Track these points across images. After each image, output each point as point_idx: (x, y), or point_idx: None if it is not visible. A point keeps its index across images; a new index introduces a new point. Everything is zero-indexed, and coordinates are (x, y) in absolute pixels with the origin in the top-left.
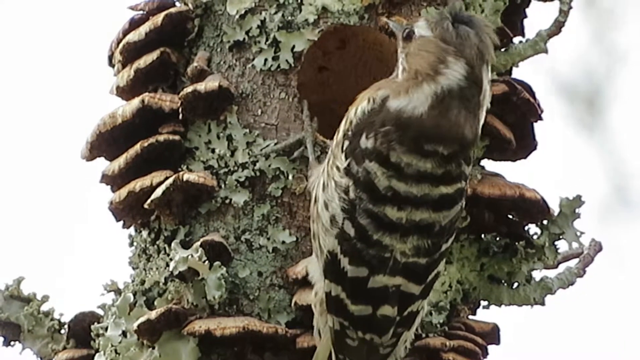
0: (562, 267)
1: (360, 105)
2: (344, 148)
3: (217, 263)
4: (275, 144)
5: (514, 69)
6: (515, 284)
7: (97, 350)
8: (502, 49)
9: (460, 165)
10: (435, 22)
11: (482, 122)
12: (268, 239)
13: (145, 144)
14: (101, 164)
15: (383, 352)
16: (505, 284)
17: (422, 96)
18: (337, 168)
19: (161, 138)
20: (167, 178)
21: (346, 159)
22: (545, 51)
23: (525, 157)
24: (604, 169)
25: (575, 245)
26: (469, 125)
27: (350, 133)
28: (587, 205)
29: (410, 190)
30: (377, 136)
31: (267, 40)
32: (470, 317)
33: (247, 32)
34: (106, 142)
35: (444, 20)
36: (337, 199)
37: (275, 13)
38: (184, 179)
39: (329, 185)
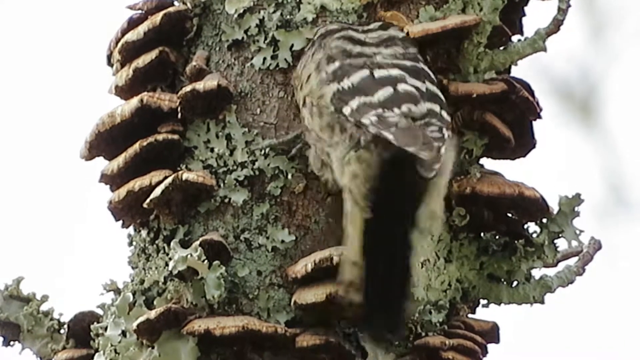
0: (561, 265)
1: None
2: (311, 83)
3: (216, 262)
4: None
5: (512, 67)
6: (515, 283)
7: (96, 350)
8: (501, 48)
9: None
10: None
11: None
12: (267, 238)
13: (144, 144)
14: (100, 164)
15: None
16: (505, 283)
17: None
18: (318, 96)
19: (160, 137)
20: (166, 177)
21: (316, 67)
22: (544, 49)
23: (524, 156)
24: (600, 168)
25: (574, 243)
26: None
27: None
28: (583, 204)
29: (361, 35)
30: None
31: (265, 39)
32: (470, 315)
33: (245, 31)
34: (105, 142)
35: None
36: (312, 67)
37: (274, 12)
38: (183, 178)
39: (302, 83)
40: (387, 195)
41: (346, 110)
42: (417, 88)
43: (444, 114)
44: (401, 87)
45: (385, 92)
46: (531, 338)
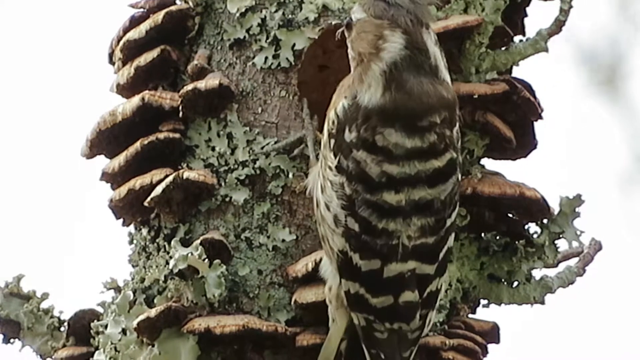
0: (562, 266)
1: (340, 104)
2: (332, 147)
3: (217, 261)
4: (276, 142)
5: (513, 67)
6: (515, 283)
7: (96, 348)
8: (503, 48)
9: (444, 134)
10: (367, 2)
11: (449, 82)
12: (268, 237)
13: (146, 142)
14: (101, 162)
15: (412, 337)
16: (505, 283)
17: (375, 78)
18: (330, 168)
19: (161, 136)
20: (167, 176)
21: (335, 156)
22: (546, 50)
23: (525, 156)
24: (626, 137)
25: (575, 244)
26: (437, 90)
27: (334, 131)
28: (608, 174)
29: (403, 170)
30: (359, 127)
31: (267, 38)
32: (470, 315)
33: (247, 30)
34: (106, 140)
35: None
36: (335, 197)
37: (276, 11)
38: (184, 177)
39: (325, 186)
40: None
41: (345, 287)
42: (421, 280)
43: (440, 287)
44: (403, 298)
45: (384, 302)
46: (531, 338)
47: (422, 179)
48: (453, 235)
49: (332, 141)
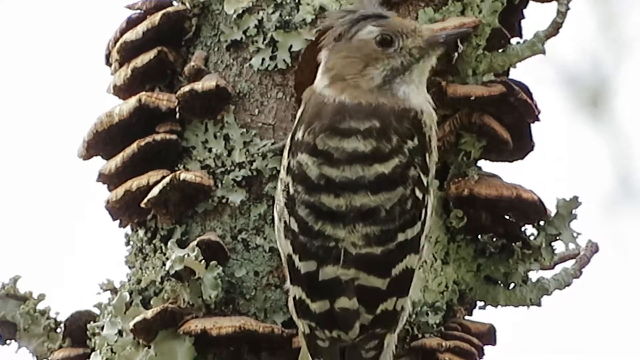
0: (558, 268)
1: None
2: (288, 147)
3: (213, 262)
4: (272, 143)
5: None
6: (512, 285)
7: (93, 349)
8: (500, 50)
9: (391, 140)
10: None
11: (405, 96)
12: (265, 238)
13: (142, 143)
14: (98, 163)
15: (366, 356)
16: (502, 285)
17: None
18: (283, 167)
19: (158, 137)
20: (163, 177)
21: (287, 157)
22: (543, 52)
23: (522, 158)
24: (610, 159)
25: (571, 246)
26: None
27: (290, 134)
28: (592, 196)
29: (344, 174)
30: (305, 130)
31: (264, 39)
32: (467, 317)
33: (244, 32)
34: (103, 141)
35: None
36: (281, 196)
37: (273, 13)
38: (181, 178)
39: (278, 186)
40: None
41: (292, 291)
42: (367, 294)
43: (399, 303)
44: (339, 304)
45: (322, 307)
46: (528, 340)
47: (364, 184)
48: (416, 258)
49: (289, 142)
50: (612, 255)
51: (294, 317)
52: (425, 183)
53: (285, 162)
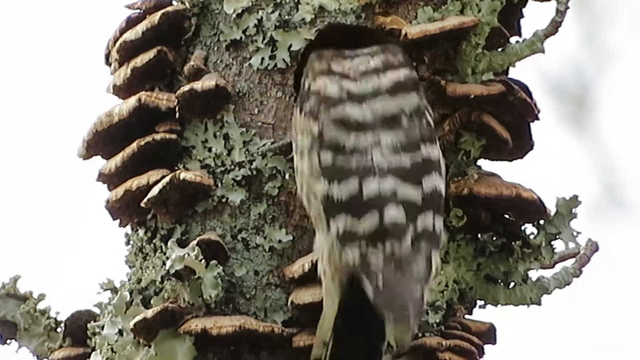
0: (558, 267)
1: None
2: (297, 108)
3: (213, 262)
4: (272, 143)
5: (509, 68)
6: (512, 284)
7: (93, 349)
8: (499, 49)
9: (396, 55)
10: None
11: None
12: (264, 238)
13: (142, 143)
14: (98, 163)
15: (419, 275)
16: (502, 284)
17: None
18: (298, 124)
19: (158, 137)
20: (163, 177)
21: (301, 112)
22: (542, 51)
23: (521, 157)
24: (594, 167)
25: (571, 245)
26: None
27: (298, 99)
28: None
29: (362, 85)
30: (317, 65)
31: (264, 39)
32: (467, 316)
33: (244, 31)
34: (103, 141)
35: None
36: (306, 141)
37: (272, 12)
38: (181, 178)
39: (297, 145)
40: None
41: (333, 228)
42: (407, 206)
43: (437, 222)
44: (388, 216)
45: (371, 222)
46: (528, 339)
47: (383, 90)
48: (442, 181)
49: (298, 105)
50: (598, 263)
51: (329, 271)
52: (431, 115)
53: (299, 118)
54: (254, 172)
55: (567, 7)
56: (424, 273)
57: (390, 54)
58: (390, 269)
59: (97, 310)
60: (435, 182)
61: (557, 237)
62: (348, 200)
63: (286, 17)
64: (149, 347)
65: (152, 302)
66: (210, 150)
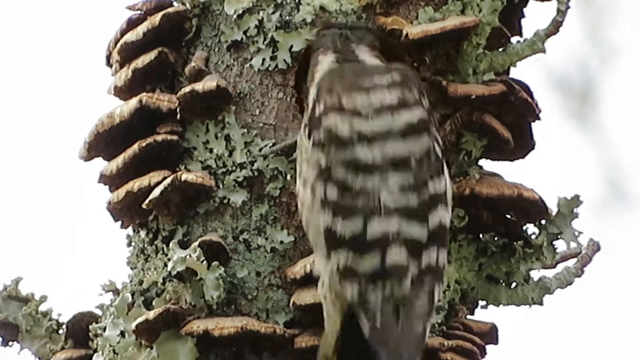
0: (560, 267)
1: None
2: (306, 133)
3: (215, 263)
4: (274, 144)
5: (510, 68)
6: (514, 284)
7: (95, 351)
8: (500, 49)
9: (412, 90)
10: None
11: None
12: (266, 239)
13: (143, 144)
14: (99, 164)
15: (420, 312)
16: (504, 284)
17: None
18: (305, 151)
19: (159, 138)
20: (165, 178)
21: (309, 137)
22: (543, 51)
23: (523, 157)
24: (598, 162)
25: (573, 245)
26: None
27: (306, 119)
28: (581, 199)
29: (374, 125)
30: (325, 97)
31: (265, 40)
32: (469, 316)
33: (244, 32)
34: (104, 142)
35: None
36: (311, 172)
37: (273, 13)
38: (182, 179)
39: (302, 171)
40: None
41: (333, 259)
42: (411, 245)
43: (440, 255)
44: (390, 257)
45: (372, 262)
46: (530, 339)
47: (395, 132)
48: (447, 214)
49: (306, 129)
50: (602, 259)
51: (330, 296)
52: (440, 142)
53: (307, 144)
54: (256, 173)
55: (568, 7)
56: (425, 308)
57: (407, 88)
58: (388, 309)
59: (99, 312)
60: (440, 215)
61: (559, 237)
62: (351, 238)
63: (287, 17)
64: (151, 348)
65: (154, 303)
66: (211, 151)
